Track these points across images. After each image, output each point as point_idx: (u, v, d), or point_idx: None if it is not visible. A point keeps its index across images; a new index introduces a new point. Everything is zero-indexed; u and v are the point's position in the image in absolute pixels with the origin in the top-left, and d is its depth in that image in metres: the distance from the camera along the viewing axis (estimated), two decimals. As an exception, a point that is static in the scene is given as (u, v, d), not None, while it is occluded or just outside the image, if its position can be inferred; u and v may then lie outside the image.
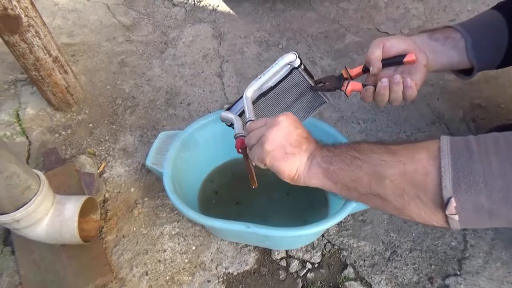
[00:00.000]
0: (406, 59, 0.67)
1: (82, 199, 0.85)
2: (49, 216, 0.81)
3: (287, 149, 0.58)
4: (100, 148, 1.12)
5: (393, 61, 0.68)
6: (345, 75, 0.72)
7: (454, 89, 1.20)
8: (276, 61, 0.72)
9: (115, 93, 1.27)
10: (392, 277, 0.87)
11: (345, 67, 0.73)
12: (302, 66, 0.73)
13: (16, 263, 0.89)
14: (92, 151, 1.11)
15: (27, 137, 1.15)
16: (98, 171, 1.06)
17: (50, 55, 1.06)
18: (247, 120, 0.68)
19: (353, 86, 0.69)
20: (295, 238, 0.85)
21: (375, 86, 0.68)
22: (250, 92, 0.72)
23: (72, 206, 0.83)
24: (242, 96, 0.73)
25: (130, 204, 1.00)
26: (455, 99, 1.17)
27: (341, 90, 0.71)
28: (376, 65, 0.68)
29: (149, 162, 0.89)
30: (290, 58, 0.71)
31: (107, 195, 1.02)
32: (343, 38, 1.41)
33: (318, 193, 0.98)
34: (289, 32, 1.44)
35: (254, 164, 0.63)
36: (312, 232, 0.75)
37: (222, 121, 0.77)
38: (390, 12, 1.48)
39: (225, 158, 1.04)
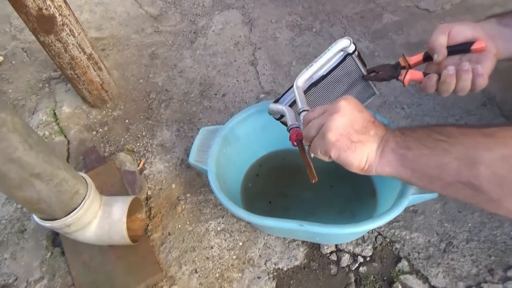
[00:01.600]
0: (474, 46, 0.61)
1: (128, 200, 0.84)
2: (97, 219, 0.81)
3: (353, 137, 0.52)
4: (138, 144, 1.11)
5: (460, 49, 0.62)
6: (402, 64, 0.67)
7: (506, 68, 1.12)
8: (329, 47, 0.68)
9: (149, 87, 1.25)
10: (449, 270, 0.83)
11: (403, 55, 0.68)
12: (357, 53, 0.68)
13: (67, 264, 0.90)
14: (130, 147, 1.10)
15: (65, 136, 1.15)
16: (138, 168, 1.05)
17: (85, 53, 1.04)
18: (300, 110, 0.63)
19: (412, 75, 0.64)
20: (348, 234, 0.83)
21: (438, 75, 0.62)
22: (301, 81, 0.68)
23: (120, 208, 0.82)
24: (291, 87, 0.70)
25: (172, 200, 1.00)
26: (508, 79, 1.09)
27: (397, 79, 0.66)
28: (441, 52, 0.62)
29: (192, 160, 0.87)
30: (344, 43, 0.67)
31: (149, 193, 1.01)
32: (380, 18, 1.34)
33: (365, 183, 0.94)
34: (322, 14, 1.38)
35: (312, 156, 0.59)
36: (368, 228, 0.72)
37: (270, 114, 0.73)
38: (429, -14, 1.39)
39: (267, 150, 1.02)
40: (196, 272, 0.88)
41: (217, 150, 0.88)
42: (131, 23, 1.47)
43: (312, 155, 0.59)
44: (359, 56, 0.69)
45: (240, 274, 0.87)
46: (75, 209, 0.75)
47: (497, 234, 0.86)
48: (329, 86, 0.71)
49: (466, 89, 0.60)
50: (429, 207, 0.91)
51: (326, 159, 0.55)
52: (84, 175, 0.80)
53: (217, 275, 0.87)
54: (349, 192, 0.95)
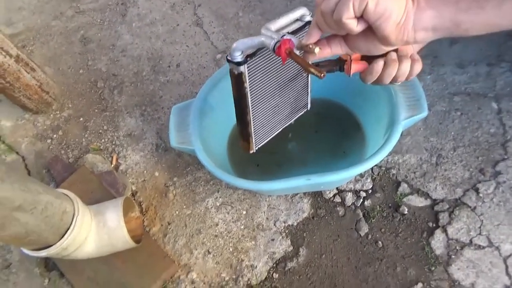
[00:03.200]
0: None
1: (119, 202, 0.78)
2: (93, 232, 0.74)
3: None
4: (103, 140, 1.02)
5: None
6: (344, 57, 0.63)
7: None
8: (286, 13, 0.61)
9: (92, 75, 1.13)
10: (445, 180, 0.87)
11: None
12: None
13: (71, 285, 0.84)
14: (96, 146, 1.00)
15: (17, 153, 1.03)
16: (112, 165, 0.97)
17: (11, 56, 0.90)
18: (281, 35, 0.53)
19: (357, 65, 0.61)
20: (353, 175, 0.83)
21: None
22: (269, 26, 0.59)
23: (113, 213, 0.76)
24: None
25: (161, 189, 0.94)
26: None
27: (340, 70, 0.63)
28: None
29: (174, 143, 0.81)
30: (301, 12, 0.60)
31: (133, 188, 0.94)
32: None
33: (348, 120, 0.94)
34: (254, -46, 1.29)
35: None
36: (375, 162, 0.72)
37: (235, 54, 0.57)
38: None
39: (243, 112, 0.97)
40: (209, 252, 0.85)
41: (198, 126, 0.82)
42: (45, 8, 1.29)
43: (316, 50, 0.51)
44: None
45: (253, 242, 0.86)
46: (67, 229, 0.69)
47: (479, 135, 0.91)
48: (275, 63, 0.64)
49: (406, 73, 0.57)
50: (413, 127, 0.94)
51: (354, 24, 0.45)
52: (65, 191, 0.73)
53: (231, 250, 0.85)
54: (335, 133, 0.95)
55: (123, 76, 1.11)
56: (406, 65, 0.55)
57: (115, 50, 1.17)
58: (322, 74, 0.50)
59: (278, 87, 0.68)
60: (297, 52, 0.51)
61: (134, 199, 0.93)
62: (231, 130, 0.97)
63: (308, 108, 0.77)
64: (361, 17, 0.44)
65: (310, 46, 0.49)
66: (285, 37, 0.51)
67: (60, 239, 0.68)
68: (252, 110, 0.66)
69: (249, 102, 0.64)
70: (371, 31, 0.45)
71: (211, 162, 0.77)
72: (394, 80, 0.58)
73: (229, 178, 0.73)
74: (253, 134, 0.69)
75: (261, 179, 0.91)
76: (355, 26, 0.44)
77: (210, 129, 0.88)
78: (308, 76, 0.72)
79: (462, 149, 0.90)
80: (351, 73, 0.61)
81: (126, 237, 0.75)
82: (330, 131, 0.95)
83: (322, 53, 0.51)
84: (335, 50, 0.52)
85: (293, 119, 0.77)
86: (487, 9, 0.42)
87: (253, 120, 0.67)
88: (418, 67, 0.56)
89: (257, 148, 0.73)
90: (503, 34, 1.01)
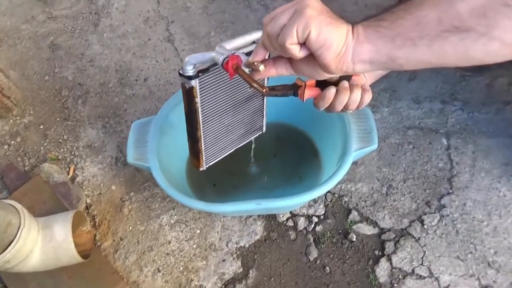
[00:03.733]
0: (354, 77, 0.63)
1: (69, 216, 0.77)
2: (39, 245, 0.74)
3: (331, 15, 0.47)
4: (62, 150, 1.01)
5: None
6: (299, 83, 0.67)
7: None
8: (242, 35, 0.63)
9: (57, 83, 1.12)
10: (393, 210, 0.91)
11: (298, 77, 0.67)
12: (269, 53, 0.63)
13: (14, 297, 0.82)
14: (54, 156, 0.99)
15: (-29, 157, 1.00)
16: (69, 176, 0.97)
17: (-29, 59, 0.89)
18: (231, 51, 0.54)
19: (310, 91, 0.64)
20: (303, 202, 0.85)
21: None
22: (227, 45, 0.57)
23: (62, 227, 0.75)
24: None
25: (116, 203, 0.94)
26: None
27: (294, 95, 0.65)
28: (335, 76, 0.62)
29: (131, 159, 0.82)
30: (257, 35, 0.63)
31: (88, 201, 0.94)
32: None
33: (306, 145, 0.97)
34: (230, -24, 1.32)
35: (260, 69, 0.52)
36: (322, 192, 0.75)
37: (188, 68, 0.58)
38: None
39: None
40: (159, 271, 0.85)
41: (156, 143, 0.83)
42: (16, 11, 1.28)
43: (260, 67, 0.52)
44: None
45: (204, 262, 0.86)
46: (11, 241, 0.68)
47: (428, 168, 0.95)
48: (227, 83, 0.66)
49: (356, 102, 0.60)
50: (367, 156, 0.97)
51: (296, 50, 0.47)
52: (12, 202, 0.72)
53: (181, 269, 0.86)
54: (293, 157, 0.97)
55: (89, 86, 1.11)
56: (357, 94, 0.59)
57: (84, 59, 1.17)
58: (264, 90, 0.54)
59: (232, 106, 0.69)
60: (246, 70, 0.53)
61: (88, 212, 0.92)
62: (191, 148, 0.98)
63: (263, 131, 0.79)
64: (304, 44, 0.47)
65: (256, 63, 0.52)
66: (234, 54, 0.53)
67: (3, 252, 0.67)
68: (203, 127, 0.66)
69: (200, 118, 0.64)
70: (313, 57, 0.48)
71: (165, 180, 0.77)
72: (345, 108, 0.61)
73: (181, 198, 0.74)
74: (203, 151, 0.70)
75: (217, 199, 0.93)
76: (298, 52, 0.47)
77: (170, 147, 0.89)
78: (263, 99, 0.74)
79: (411, 181, 0.94)
80: (305, 99, 0.63)
81: (73, 251, 0.75)
82: (288, 155, 0.98)
83: (268, 72, 0.54)
84: (280, 71, 0.54)
85: (247, 141, 0.79)
86: (420, 47, 0.45)
87: (203, 137, 0.68)
88: (368, 97, 0.60)
89: (207, 166, 0.73)
90: (458, 75, 1.07)
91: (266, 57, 0.55)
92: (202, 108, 0.64)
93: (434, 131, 1.00)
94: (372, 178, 0.95)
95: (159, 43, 1.19)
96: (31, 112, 1.07)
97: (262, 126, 0.78)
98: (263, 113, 0.76)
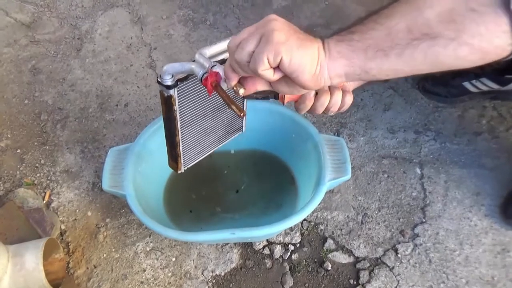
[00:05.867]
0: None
1: (41, 244, 0.76)
2: (8, 274, 0.72)
3: (300, 35, 0.47)
4: (38, 175, 1.00)
5: None
6: None
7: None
8: (222, 40, 0.62)
9: (37, 107, 1.12)
10: (368, 239, 0.92)
11: None
12: None
13: (-20, 328, 0.80)
14: (30, 181, 0.98)
15: None
16: (44, 202, 0.95)
17: (-52, 83, 0.89)
18: (212, 65, 0.53)
19: (291, 95, 0.65)
20: (278, 231, 0.86)
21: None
22: (204, 52, 0.56)
23: (33, 256, 0.74)
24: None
25: (91, 229, 0.93)
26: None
27: (275, 98, 0.66)
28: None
29: (106, 186, 0.81)
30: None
31: (63, 227, 0.93)
32: (270, 3, 1.36)
33: (284, 174, 0.98)
34: (213, 5, 1.36)
35: (242, 94, 0.52)
36: (295, 222, 0.75)
37: (165, 78, 0.57)
38: (309, -32, 1.45)
39: (183, 158, 0.99)
40: (132, 300, 0.84)
41: (132, 170, 0.83)
42: (-1, 34, 1.29)
43: (240, 91, 0.51)
44: None
45: (179, 290, 0.85)
46: (-22, 272, 0.66)
47: (402, 197, 0.97)
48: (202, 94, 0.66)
49: (337, 104, 0.61)
50: (343, 185, 0.99)
51: (270, 74, 0.47)
52: (-19, 230, 0.70)
53: (155, 297, 0.85)
54: (270, 185, 0.98)
55: (68, 111, 1.11)
56: (337, 96, 0.59)
57: (65, 84, 1.17)
58: (242, 114, 0.52)
59: (211, 110, 0.68)
60: (225, 85, 0.52)
61: (62, 239, 0.91)
62: (169, 175, 0.98)
63: (243, 131, 0.76)
64: (277, 67, 0.46)
65: (235, 88, 0.51)
66: (213, 69, 0.52)
67: (-31, 281, 0.65)
68: (182, 133, 0.65)
69: (179, 124, 0.64)
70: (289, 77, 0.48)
71: (140, 208, 0.77)
72: (326, 110, 0.60)
73: (155, 226, 0.74)
74: (182, 155, 0.68)
75: (193, 226, 0.93)
76: (272, 75, 0.47)
77: (147, 174, 0.89)
78: (243, 100, 0.72)
79: (386, 209, 0.96)
80: (285, 102, 0.63)
81: (43, 281, 0.73)
82: (266, 182, 0.98)
83: (248, 92, 0.53)
84: (261, 88, 0.53)
85: (226, 141, 0.76)
86: (391, 57, 0.46)
87: (182, 141, 0.67)
88: (349, 99, 0.60)
89: (185, 168, 0.72)
90: (431, 106, 1.11)
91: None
92: (180, 115, 0.62)
93: (408, 161, 1.02)
94: (348, 206, 0.96)
95: (141, 69, 1.20)
96: (9, 135, 1.06)
97: (242, 126, 0.76)
98: (243, 104, 0.72)
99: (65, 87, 1.16)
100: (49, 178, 0.99)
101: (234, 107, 0.52)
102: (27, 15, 1.34)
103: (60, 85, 1.17)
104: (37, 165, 1.02)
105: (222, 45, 0.57)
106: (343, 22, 1.30)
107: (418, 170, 1.01)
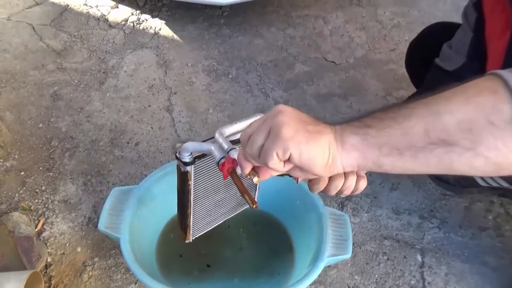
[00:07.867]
0: None
1: (23, 277, 0.73)
2: (-16, 304, 0.69)
3: (309, 128, 0.47)
4: (36, 201, 0.99)
5: None
6: None
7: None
8: (242, 120, 0.64)
9: (50, 132, 1.13)
10: (360, 323, 0.88)
11: None
12: None
13: None
14: (26, 205, 0.97)
15: None
16: (36, 230, 0.93)
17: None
18: (228, 149, 0.55)
19: None
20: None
21: None
22: (226, 131, 0.58)
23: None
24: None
25: (77, 267, 0.90)
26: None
27: (289, 176, 0.67)
28: None
29: (102, 226, 0.80)
30: (256, 119, 0.64)
31: (49, 259, 0.90)
32: (292, 67, 1.41)
33: (282, 239, 0.96)
34: (238, 61, 1.40)
35: (257, 182, 0.52)
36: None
37: (184, 155, 0.60)
38: (335, 40, 1.51)
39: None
40: None
41: (131, 215, 0.82)
42: (29, 57, 1.33)
43: (254, 179, 0.51)
44: None
45: None
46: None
47: (400, 283, 0.94)
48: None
49: (351, 188, 0.61)
50: (341, 261, 0.96)
51: (280, 166, 0.48)
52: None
53: None
54: (268, 249, 0.96)
55: (79, 141, 1.12)
56: (351, 180, 0.58)
57: (81, 114, 1.19)
58: (254, 206, 0.53)
59: (224, 185, 0.69)
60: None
61: (46, 272, 0.88)
62: (167, 221, 0.96)
63: (256, 205, 0.76)
64: (288, 160, 0.47)
65: (249, 176, 0.51)
66: (231, 154, 0.53)
67: None
68: (194, 205, 0.66)
69: (192, 198, 0.65)
70: None
71: (132, 255, 0.75)
72: (339, 192, 0.59)
73: (143, 277, 0.72)
74: (191, 226, 0.70)
75: (183, 280, 0.90)
76: (282, 168, 0.48)
77: (146, 218, 0.88)
78: (256, 185, 0.73)
79: (382, 294, 0.92)
80: (299, 181, 0.63)
81: (18, 317, 0.70)
82: (263, 246, 0.96)
83: (263, 178, 0.52)
84: (275, 174, 0.53)
85: (237, 212, 0.76)
86: (405, 157, 0.46)
87: (193, 213, 0.68)
88: (363, 183, 0.59)
89: (193, 238, 0.73)
90: (438, 192, 1.10)
91: None
92: (194, 190, 0.64)
93: (410, 246, 1.00)
94: (343, 284, 0.93)
95: (158, 110, 1.22)
96: (16, 156, 1.07)
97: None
98: (256, 186, 0.75)
99: (81, 117, 1.18)
100: (46, 205, 0.98)
101: (247, 197, 0.52)
102: (59, 43, 1.39)
103: (77, 114, 1.19)
104: (37, 190, 1.01)
105: (242, 125, 0.59)
106: (361, 95, 1.34)
107: (419, 257, 0.98)
